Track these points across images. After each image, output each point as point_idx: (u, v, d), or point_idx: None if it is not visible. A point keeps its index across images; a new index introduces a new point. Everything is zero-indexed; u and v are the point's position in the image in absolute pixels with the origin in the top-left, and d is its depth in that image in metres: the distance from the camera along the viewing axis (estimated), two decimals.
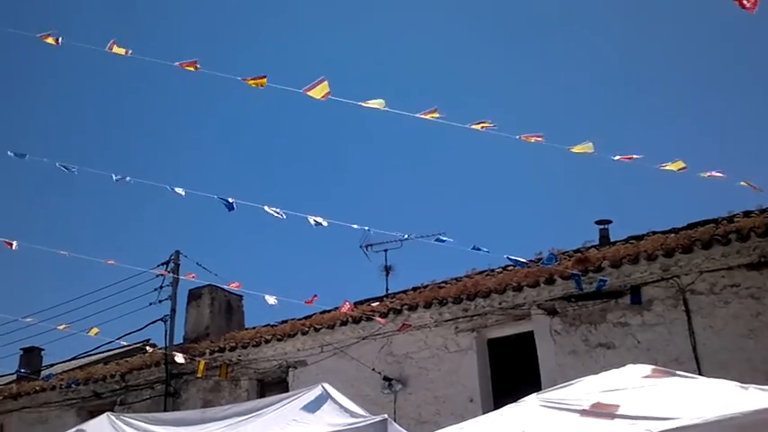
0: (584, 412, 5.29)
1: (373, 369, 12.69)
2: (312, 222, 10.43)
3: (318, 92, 8.38)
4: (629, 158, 9.33)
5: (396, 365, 12.88)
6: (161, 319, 16.39)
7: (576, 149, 9.14)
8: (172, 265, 16.20)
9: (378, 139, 37.89)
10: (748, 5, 6.17)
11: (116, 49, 8.78)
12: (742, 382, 5.74)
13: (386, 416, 6.06)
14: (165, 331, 16.15)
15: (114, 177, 10.81)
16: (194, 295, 17.73)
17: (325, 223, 10.51)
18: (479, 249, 9.77)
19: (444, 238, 10.51)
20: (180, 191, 10.67)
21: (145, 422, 7.97)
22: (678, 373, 6.22)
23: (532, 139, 9.17)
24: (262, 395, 12.90)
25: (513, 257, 10.33)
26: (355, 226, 10.74)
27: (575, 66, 33.55)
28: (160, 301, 16.37)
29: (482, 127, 9.02)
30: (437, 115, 8.85)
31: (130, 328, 16.59)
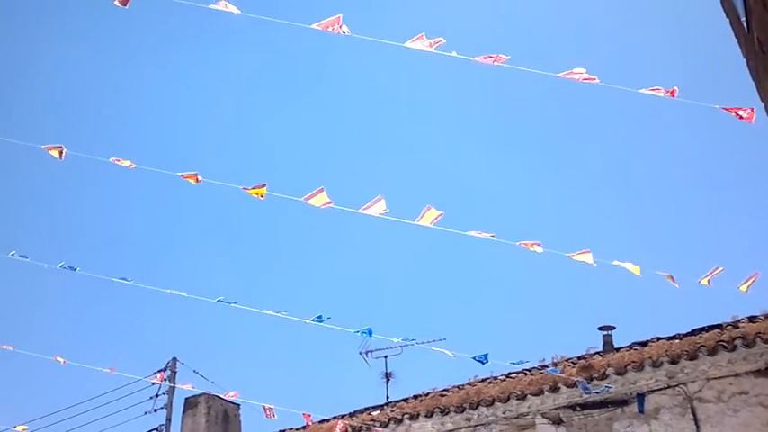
0: None
1: None
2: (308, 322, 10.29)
3: (318, 200, 8.49)
4: (627, 265, 9.39)
5: None
6: (156, 429, 16.04)
7: (575, 257, 9.17)
8: (168, 372, 15.95)
9: (378, 245, 37.96)
10: (745, 116, 6.28)
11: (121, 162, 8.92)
12: None
13: None
14: None
15: (114, 279, 10.79)
16: (190, 404, 17.37)
17: (324, 323, 10.36)
18: (482, 362, 9.61)
19: (444, 350, 10.34)
20: (181, 293, 10.60)
21: None
22: None
23: (531, 246, 9.22)
24: None
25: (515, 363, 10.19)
26: (356, 332, 10.60)
27: (572, 174, 33.97)
28: (156, 410, 16.07)
29: (482, 234, 9.06)
30: (436, 220, 8.91)
31: None
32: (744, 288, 9.58)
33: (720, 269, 9.57)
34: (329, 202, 8.49)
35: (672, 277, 9.47)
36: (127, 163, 8.99)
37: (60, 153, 9.04)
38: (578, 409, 11.41)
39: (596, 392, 9.69)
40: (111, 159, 8.95)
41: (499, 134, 37.17)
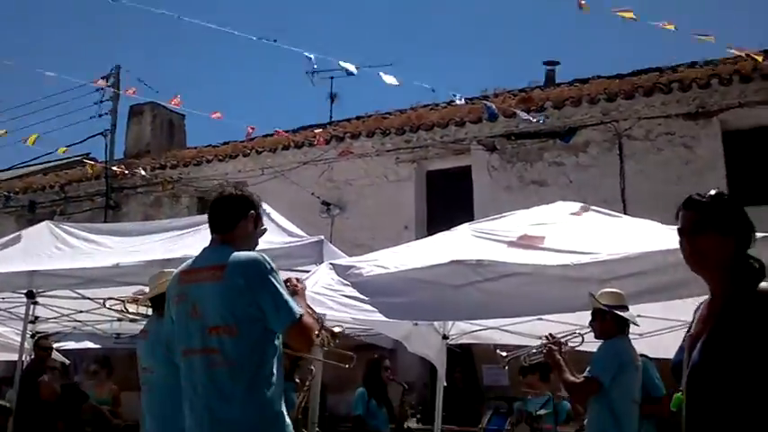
0: (511, 243, 5.53)
1: (312, 193, 12.90)
2: (256, 38, 10.13)
3: None
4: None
5: (335, 191, 13.12)
6: (101, 134, 16.19)
7: None
8: (112, 79, 15.79)
9: None
10: None
11: None
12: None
13: (322, 237, 6.22)
14: (106, 145, 16.00)
15: None
16: (135, 111, 17.47)
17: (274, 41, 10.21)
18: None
19: (390, 75, 10.38)
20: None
21: (84, 231, 8.05)
22: (603, 211, 6.50)
23: None
24: (202, 212, 13.04)
25: (455, 94, 10.34)
26: (309, 55, 10.51)
27: None
28: (100, 116, 16.11)
29: None
30: None
31: (70, 141, 16.38)
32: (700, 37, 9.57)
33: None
34: None
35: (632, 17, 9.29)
36: None
37: None
38: (513, 138, 11.86)
39: (534, 121, 9.98)
40: None
41: None
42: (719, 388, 2.43)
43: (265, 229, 3.59)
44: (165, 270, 5.26)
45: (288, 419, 3.23)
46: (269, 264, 3.20)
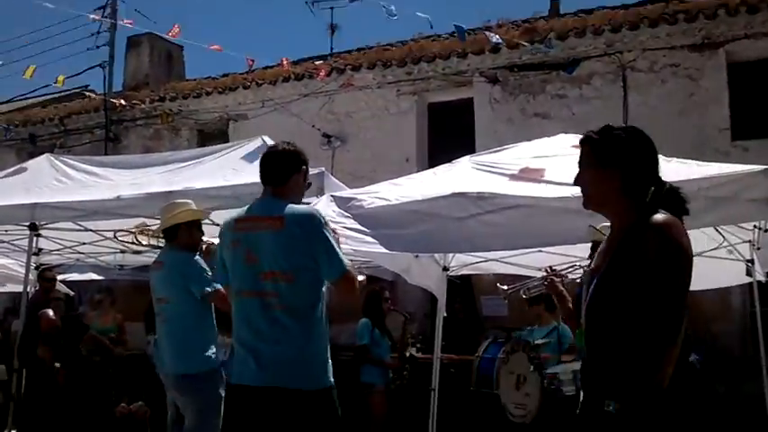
0: (512, 176, 5.53)
1: (313, 126, 12.83)
2: None
3: None
4: None
5: (336, 123, 13.04)
6: (99, 65, 16.04)
7: None
8: (108, 10, 15.56)
9: None
10: None
11: None
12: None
13: (323, 169, 6.22)
14: (104, 77, 15.88)
15: None
16: (133, 43, 17.24)
17: None
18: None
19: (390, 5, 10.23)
20: None
21: (85, 163, 8.04)
22: None
23: None
24: (202, 145, 13.00)
25: (458, 24, 10.21)
26: None
27: None
28: (98, 47, 15.94)
29: None
30: None
31: (69, 74, 16.20)
32: None
33: None
34: None
35: None
36: None
37: None
38: (515, 70, 11.74)
39: (537, 53, 9.87)
40: None
41: None
42: (611, 322, 2.43)
43: (311, 183, 3.90)
44: (177, 201, 5.29)
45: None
46: (323, 218, 3.54)
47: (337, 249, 3.51)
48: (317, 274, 3.50)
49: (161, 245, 5.48)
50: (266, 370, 3.42)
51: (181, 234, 5.02)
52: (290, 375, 3.41)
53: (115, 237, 6.93)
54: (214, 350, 4.88)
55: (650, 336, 2.33)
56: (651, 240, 2.37)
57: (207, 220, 5.61)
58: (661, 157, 5.96)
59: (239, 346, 3.54)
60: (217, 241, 4.00)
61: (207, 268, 4.87)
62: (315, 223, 3.49)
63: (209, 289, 4.78)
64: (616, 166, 2.50)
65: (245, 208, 3.71)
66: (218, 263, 3.79)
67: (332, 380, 3.56)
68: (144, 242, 5.97)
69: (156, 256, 5.51)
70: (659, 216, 2.42)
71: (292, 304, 3.44)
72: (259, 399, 3.45)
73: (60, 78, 12.54)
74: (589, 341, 2.53)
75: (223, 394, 4.86)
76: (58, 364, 7.26)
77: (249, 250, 3.51)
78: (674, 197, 2.52)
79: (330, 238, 3.50)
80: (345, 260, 3.53)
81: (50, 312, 7.28)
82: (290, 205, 3.54)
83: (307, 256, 3.45)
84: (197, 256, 4.94)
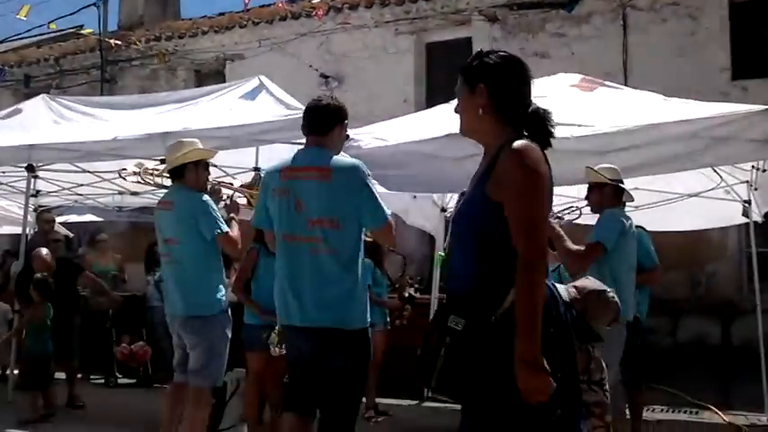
0: None
1: (310, 66, 12.71)
2: None
3: None
4: None
5: (333, 64, 12.92)
6: (93, 4, 15.78)
7: None
8: None
9: None
10: None
11: None
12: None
13: None
14: (99, 17, 15.62)
15: None
16: None
17: None
18: None
19: None
20: None
21: (81, 104, 7.99)
22: (605, 83, 6.44)
23: None
24: (199, 85, 12.90)
25: None
26: None
27: None
28: None
29: None
30: None
31: (63, 13, 15.99)
32: None
33: None
34: None
35: None
36: None
37: None
38: (515, 8, 11.58)
39: None
40: None
41: None
42: (470, 243, 2.48)
43: (348, 136, 4.20)
44: (184, 140, 5.22)
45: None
46: (366, 170, 3.78)
47: (380, 200, 3.76)
48: (360, 221, 3.76)
49: (166, 185, 5.41)
50: (312, 311, 3.66)
51: (188, 174, 4.93)
52: (333, 316, 3.66)
53: (120, 176, 6.86)
54: (223, 292, 4.87)
55: (501, 263, 2.35)
56: (506, 165, 2.40)
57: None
58: (660, 97, 5.94)
59: (287, 289, 3.73)
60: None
61: (217, 209, 4.87)
62: (360, 174, 3.74)
63: (219, 231, 4.76)
64: (484, 83, 2.51)
65: (290, 157, 3.90)
66: (259, 208, 3.97)
67: (369, 320, 3.85)
68: (150, 181, 5.88)
69: (159, 196, 5.48)
70: (517, 142, 2.42)
71: (338, 250, 3.68)
72: (306, 338, 3.70)
73: (53, 25, 12.39)
74: (449, 257, 2.61)
75: (230, 335, 4.89)
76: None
77: (298, 198, 3.72)
78: (537, 122, 2.52)
79: (373, 189, 3.75)
80: (387, 209, 3.79)
81: (44, 252, 7.25)
82: (336, 157, 3.81)
83: (352, 205, 3.71)
84: (206, 197, 4.89)
